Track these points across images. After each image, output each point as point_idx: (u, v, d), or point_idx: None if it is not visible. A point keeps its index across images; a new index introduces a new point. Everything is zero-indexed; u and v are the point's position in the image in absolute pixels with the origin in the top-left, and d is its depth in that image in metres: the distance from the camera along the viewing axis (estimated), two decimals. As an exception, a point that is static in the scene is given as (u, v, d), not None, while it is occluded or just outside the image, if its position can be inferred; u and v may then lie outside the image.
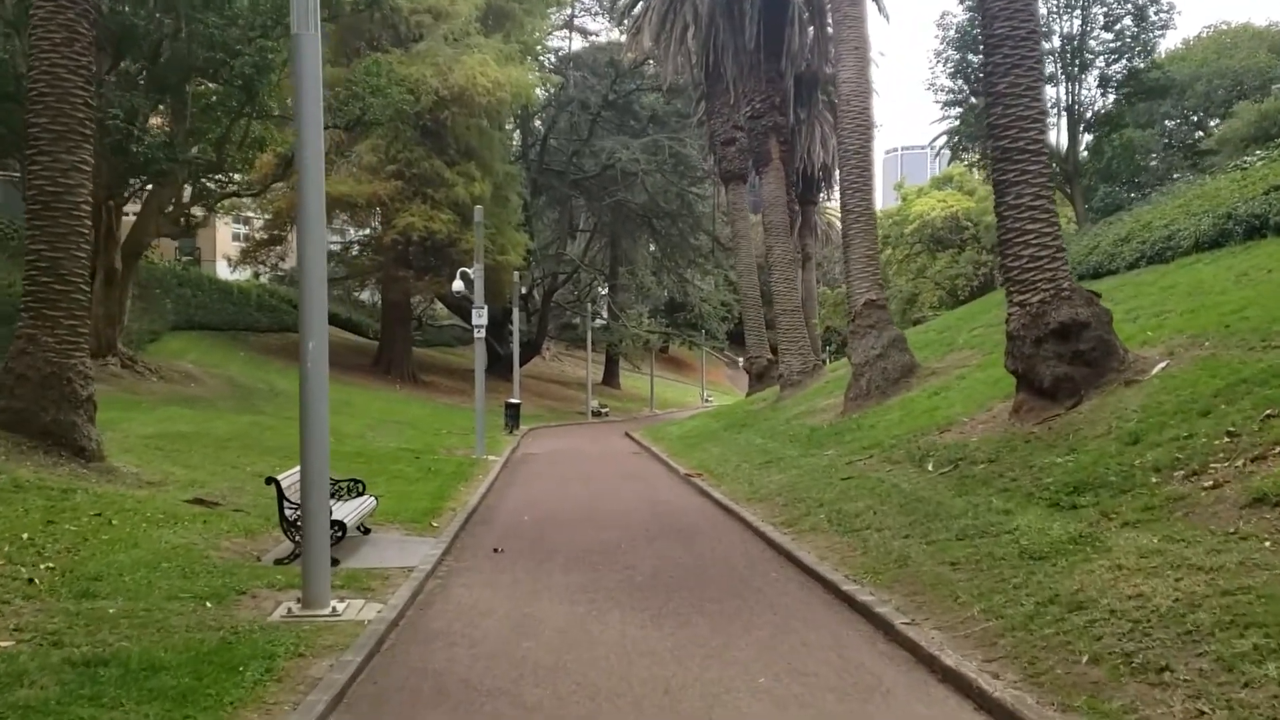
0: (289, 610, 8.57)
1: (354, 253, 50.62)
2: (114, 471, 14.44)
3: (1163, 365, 13.89)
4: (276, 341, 46.52)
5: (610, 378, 73.59)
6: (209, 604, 8.54)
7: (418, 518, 14.28)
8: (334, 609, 8.60)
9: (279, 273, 63.76)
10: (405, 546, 12.15)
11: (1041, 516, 9.78)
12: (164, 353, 36.12)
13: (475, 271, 25.01)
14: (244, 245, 48.41)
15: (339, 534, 10.89)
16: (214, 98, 27.91)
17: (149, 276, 41.73)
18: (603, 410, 53.96)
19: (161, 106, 28.13)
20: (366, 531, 12.78)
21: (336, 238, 58.04)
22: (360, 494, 12.88)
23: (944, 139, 54.30)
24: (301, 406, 8.57)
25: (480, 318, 25.00)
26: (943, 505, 11.52)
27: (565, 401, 57.70)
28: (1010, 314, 15.07)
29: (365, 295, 63.34)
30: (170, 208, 30.34)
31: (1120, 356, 14.40)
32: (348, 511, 11.77)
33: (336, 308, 60.95)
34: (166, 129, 27.63)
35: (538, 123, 61.87)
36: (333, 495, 12.34)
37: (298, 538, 10.73)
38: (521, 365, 60.51)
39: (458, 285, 25.84)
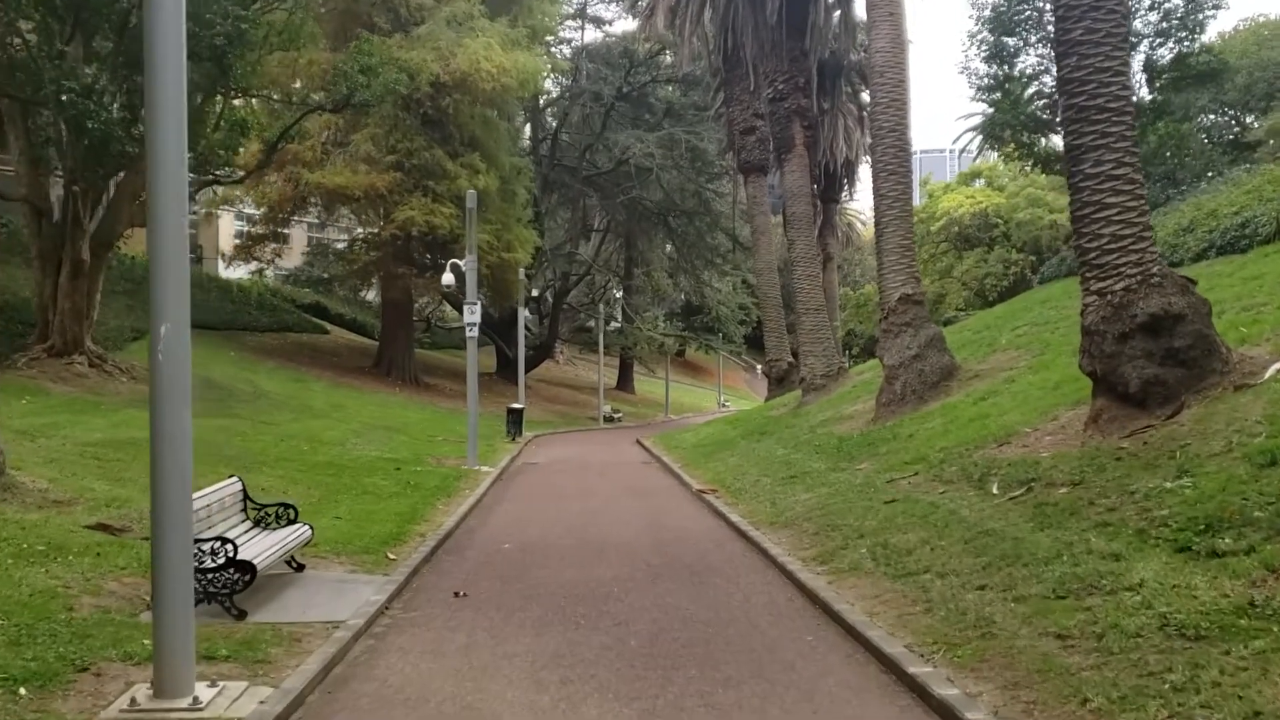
0: (132, 702, 6.11)
1: (353, 248, 47.93)
2: (13, 488, 12.04)
3: (1279, 366, 11.40)
4: (274, 341, 44.44)
5: (624, 382, 71.16)
6: (23, 690, 6.10)
7: (373, 547, 11.83)
8: (196, 699, 6.13)
9: (282, 271, 61.81)
10: (342, 589, 9.68)
11: (1171, 566, 7.26)
12: (146, 352, 33.89)
13: (467, 264, 22.55)
14: (237, 241, 46.16)
15: (246, 578, 8.46)
16: (190, 75, 25.62)
17: (144, 272, 39.58)
18: (615, 415, 51.50)
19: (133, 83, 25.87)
20: (299, 568, 10.34)
21: (344, 236, 55.91)
22: (291, 521, 10.43)
23: (969, 136, 51.79)
24: (152, 413, 6.11)
25: (472, 314, 22.54)
26: (1023, 543, 9.00)
27: (577, 406, 55.27)
28: (1087, 305, 12.58)
29: (372, 296, 61.13)
30: (144, 195, 28.07)
31: (1223, 356, 11.92)
32: (266, 546, 9.34)
33: (341, 308, 59.17)
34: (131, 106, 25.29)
35: (549, 117, 59.54)
36: (256, 524, 9.97)
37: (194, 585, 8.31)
38: (533, 369, 58.32)
39: (448, 278, 23.39)
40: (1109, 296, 12.24)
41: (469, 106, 40.31)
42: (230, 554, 8.42)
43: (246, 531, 9.96)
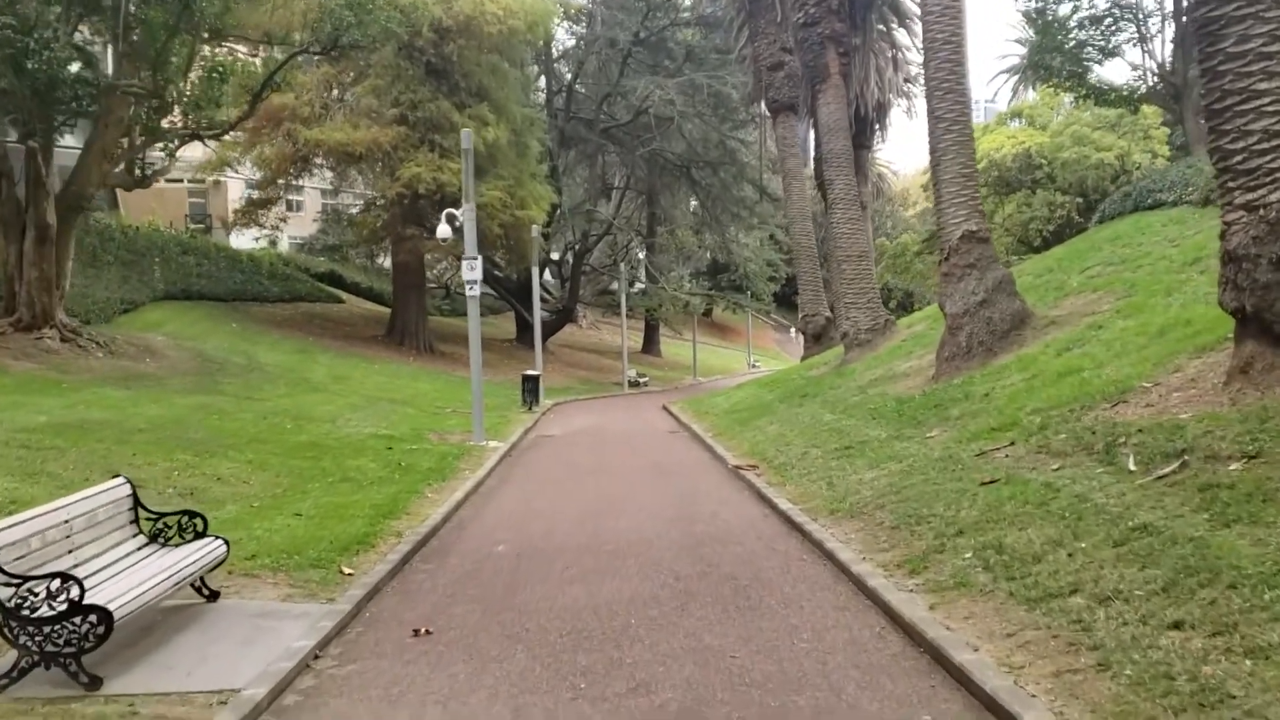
0: None
1: (369, 211, 45.08)
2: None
3: None
4: (283, 312, 42.19)
5: (650, 345, 68.54)
6: None
7: (328, 556, 9.22)
8: None
9: (296, 240, 59.45)
10: (260, 630, 7.06)
11: None
12: (138, 324, 31.61)
13: (464, 213, 19.82)
14: (235, 209, 43.61)
15: (100, 630, 5.87)
16: (153, 13, 22.89)
17: (149, 243, 37.76)
18: (641, 380, 48.89)
19: (91, 23, 23.23)
20: (211, 596, 7.76)
21: (359, 201, 53.36)
22: (199, 534, 7.83)
23: (1004, 78, 48.49)
24: None
25: (471, 271, 19.83)
26: (1209, 548, 6.28)
27: (601, 371, 52.69)
28: (1230, 224, 9.80)
29: (389, 262, 58.76)
30: (117, 153, 25.45)
31: None
32: (148, 576, 6.74)
33: (357, 276, 57.14)
34: (87, 43, 22.68)
35: (564, 69, 56.48)
36: (153, 538, 7.39)
37: (24, 639, 5.75)
38: (554, 333, 55.69)
39: (443, 230, 20.65)
40: (1261, 211, 9.48)
41: (475, 53, 37.61)
42: (75, 596, 5.84)
43: (136, 551, 7.39)
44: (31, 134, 22.35)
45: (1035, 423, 11.29)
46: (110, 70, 23.82)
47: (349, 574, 8.81)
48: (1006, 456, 10.46)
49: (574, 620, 7.34)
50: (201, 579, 7.60)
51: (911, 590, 7.41)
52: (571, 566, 9.21)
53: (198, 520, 7.83)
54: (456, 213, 20.15)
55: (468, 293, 20.36)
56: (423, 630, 7.25)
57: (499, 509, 12.95)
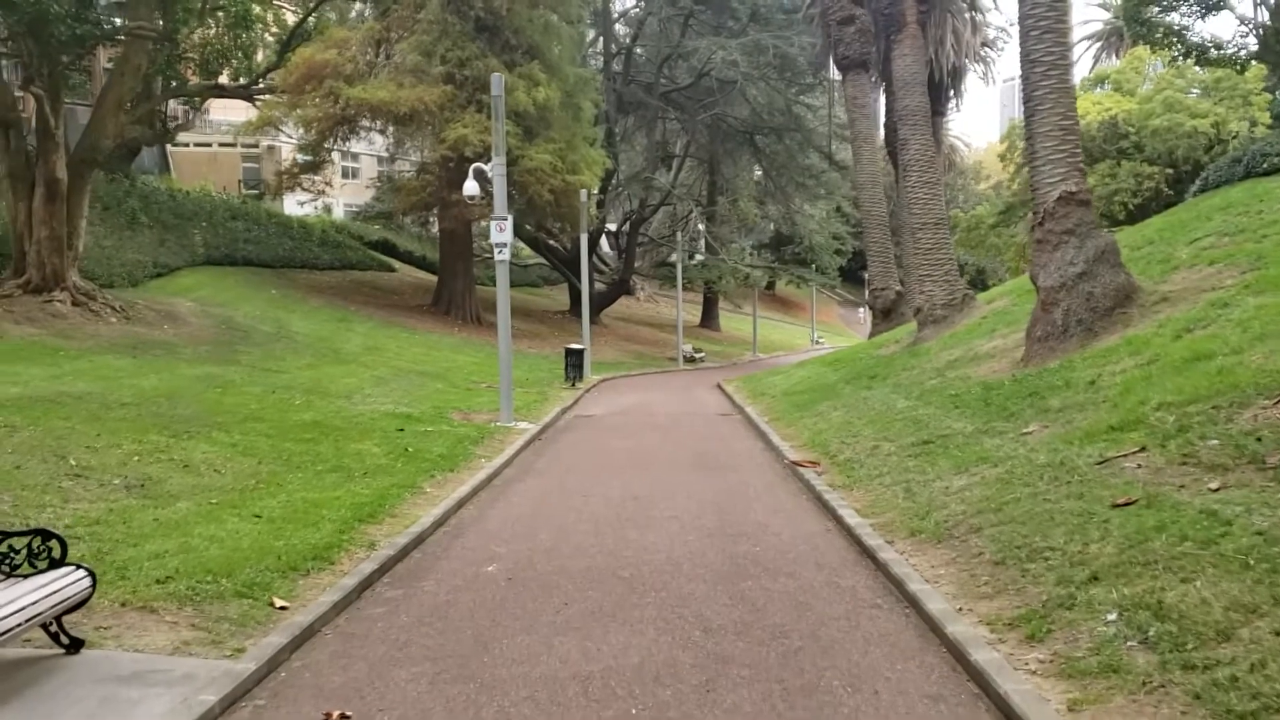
0: None
1: (419, 176, 43.03)
2: None
3: None
4: (330, 279, 40.78)
5: (708, 319, 66.20)
6: None
7: (269, 577, 7.22)
8: None
9: (352, 207, 57.97)
10: (111, 707, 4.97)
11: None
12: (170, 289, 30.18)
13: (494, 168, 17.71)
14: (278, 171, 41.98)
15: None
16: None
17: (197, 206, 36.56)
18: (697, 355, 46.69)
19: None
20: (74, 646, 5.76)
21: (413, 169, 51.62)
22: (56, 563, 5.84)
23: (1086, 44, 45.11)
24: None
25: (501, 234, 17.74)
26: None
27: (656, 346, 50.54)
28: None
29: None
30: (134, 103, 23.78)
31: None
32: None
33: (410, 244, 55.91)
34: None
35: (623, 31, 54.06)
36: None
37: None
38: (609, 305, 53.71)
39: (470, 187, 18.55)
40: None
41: (526, 8, 35.56)
42: None
43: (-35, 585, 5.43)
44: (32, 80, 20.69)
45: (1169, 422, 8.94)
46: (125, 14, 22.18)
47: (282, 608, 6.79)
48: (1139, 468, 8.13)
49: (551, 706, 5.20)
50: (58, 622, 5.62)
51: (1035, 671, 5.19)
52: (571, 603, 7.08)
53: (53, 543, 5.82)
54: (486, 167, 18.04)
55: (496, 257, 18.28)
56: (336, 715, 5.17)
57: (506, 511, 10.84)
